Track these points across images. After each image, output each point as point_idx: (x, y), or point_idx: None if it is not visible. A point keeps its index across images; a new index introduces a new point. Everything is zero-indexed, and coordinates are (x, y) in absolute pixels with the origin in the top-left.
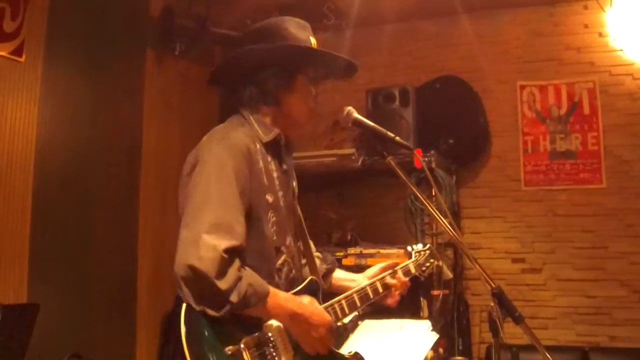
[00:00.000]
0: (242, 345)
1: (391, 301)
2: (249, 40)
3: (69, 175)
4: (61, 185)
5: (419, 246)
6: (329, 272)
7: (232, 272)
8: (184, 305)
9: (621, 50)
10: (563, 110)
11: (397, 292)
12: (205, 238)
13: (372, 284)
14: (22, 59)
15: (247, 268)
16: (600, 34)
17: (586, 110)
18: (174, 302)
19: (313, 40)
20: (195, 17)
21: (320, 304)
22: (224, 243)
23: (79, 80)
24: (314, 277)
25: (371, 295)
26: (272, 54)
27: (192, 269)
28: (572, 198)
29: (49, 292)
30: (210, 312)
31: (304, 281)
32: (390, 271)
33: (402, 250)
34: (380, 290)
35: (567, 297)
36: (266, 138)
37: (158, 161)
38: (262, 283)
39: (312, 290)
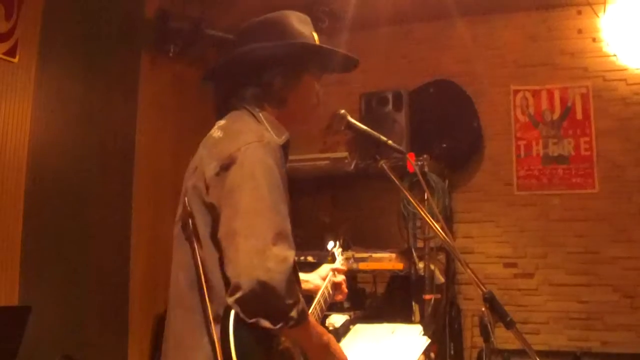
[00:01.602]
0: None
1: (341, 296)
2: (250, 36)
3: (62, 177)
4: (54, 187)
5: (330, 244)
6: None
7: (297, 287)
8: (232, 313)
9: (614, 55)
10: (556, 115)
11: (344, 287)
12: (274, 249)
13: (325, 287)
14: (16, 60)
15: None
16: (594, 39)
17: (579, 115)
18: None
19: (315, 36)
20: (189, 20)
21: None
22: (291, 254)
23: (73, 81)
24: None
25: (328, 298)
26: (281, 51)
27: (261, 283)
28: (564, 203)
29: (40, 294)
30: (266, 324)
31: None
32: (331, 273)
33: (394, 254)
34: (331, 291)
35: (559, 301)
36: (279, 141)
37: (151, 163)
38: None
39: None
